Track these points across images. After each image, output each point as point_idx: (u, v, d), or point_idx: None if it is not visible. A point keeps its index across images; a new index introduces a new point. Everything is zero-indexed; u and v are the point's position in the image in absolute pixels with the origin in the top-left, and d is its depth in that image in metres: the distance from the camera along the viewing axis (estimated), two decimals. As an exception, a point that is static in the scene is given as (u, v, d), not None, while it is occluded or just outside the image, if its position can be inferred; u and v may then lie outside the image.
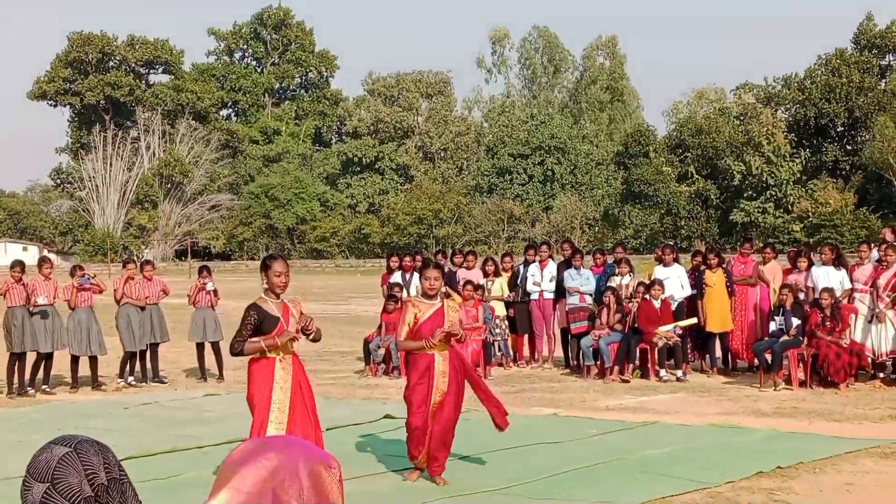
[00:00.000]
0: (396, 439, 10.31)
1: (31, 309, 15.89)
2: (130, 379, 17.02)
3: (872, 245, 16.76)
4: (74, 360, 16.62)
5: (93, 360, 16.78)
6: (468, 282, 17.75)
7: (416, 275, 17.40)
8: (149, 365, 17.40)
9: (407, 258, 18.83)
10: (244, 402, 8.59)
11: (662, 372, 16.35)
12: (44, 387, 16.29)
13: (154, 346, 17.39)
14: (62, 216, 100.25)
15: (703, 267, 17.47)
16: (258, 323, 8.37)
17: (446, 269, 18.77)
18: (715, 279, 17.01)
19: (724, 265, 17.42)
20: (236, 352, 8.32)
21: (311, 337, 8.60)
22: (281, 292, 8.48)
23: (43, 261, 17.09)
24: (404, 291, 17.88)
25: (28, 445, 10.93)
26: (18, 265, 16.35)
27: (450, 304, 9.53)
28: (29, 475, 2.50)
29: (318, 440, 8.33)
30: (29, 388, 16.11)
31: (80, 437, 2.55)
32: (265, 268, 8.58)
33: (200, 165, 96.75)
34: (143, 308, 17.04)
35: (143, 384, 17.08)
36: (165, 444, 11.49)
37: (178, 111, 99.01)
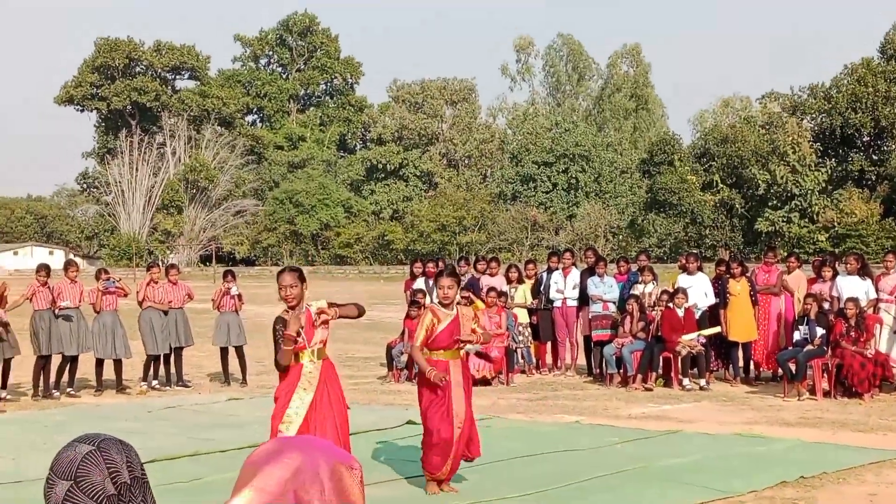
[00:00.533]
0: (418, 445, 10.30)
1: (55, 311, 15.98)
2: (154, 382, 17.08)
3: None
4: (99, 363, 16.70)
5: (117, 364, 16.85)
6: (491, 288, 17.74)
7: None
8: (173, 369, 17.45)
9: (430, 264, 18.83)
10: (267, 406, 8.61)
11: (685, 381, 16.30)
12: (69, 389, 16.37)
13: (178, 350, 17.44)
14: (88, 220, 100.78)
15: (726, 276, 17.41)
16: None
17: (469, 276, 18.79)
18: (738, 288, 16.94)
19: (748, 274, 17.34)
20: (281, 367, 8.30)
21: (332, 317, 8.43)
22: (290, 304, 8.38)
23: (69, 264, 17.20)
24: (427, 298, 17.88)
25: (52, 447, 10.97)
26: (44, 269, 16.47)
27: (465, 312, 9.46)
28: (53, 473, 2.52)
29: (346, 445, 8.31)
30: (54, 391, 16.20)
31: (103, 436, 2.57)
32: (277, 278, 8.55)
33: (225, 171, 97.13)
34: (166, 312, 17.10)
35: (167, 388, 17.14)
36: (188, 447, 11.52)
37: (204, 117, 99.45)
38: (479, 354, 16.40)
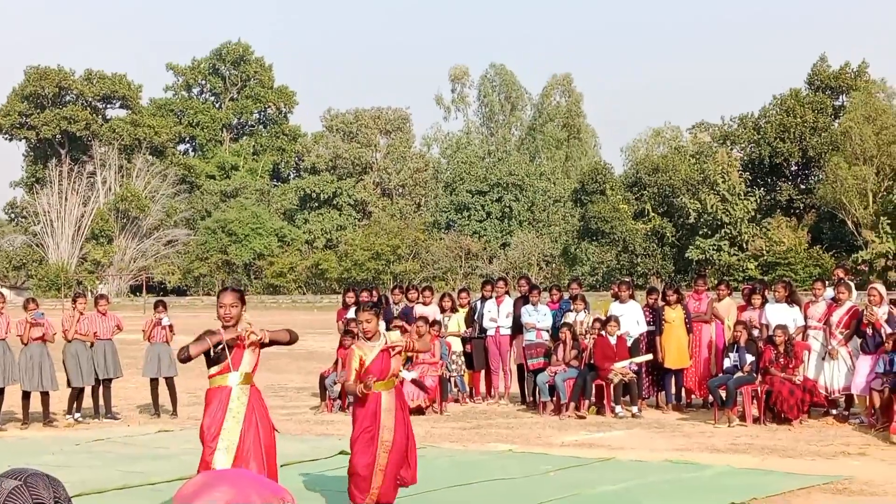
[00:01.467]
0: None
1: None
2: (77, 415, 16.80)
3: (827, 283, 16.92)
4: (26, 395, 16.40)
5: (44, 396, 16.56)
6: (422, 317, 17.73)
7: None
8: (101, 401, 17.20)
9: (364, 294, 18.78)
10: (198, 438, 8.48)
11: (618, 408, 16.39)
12: (-7, 423, 16.07)
13: (107, 382, 17.20)
14: (15, 250, 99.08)
15: (661, 303, 17.57)
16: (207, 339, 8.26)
17: (403, 305, 18.78)
18: (674, 315, 17.10)
19: (683, 302, 17.51)
20: (183, 357, 8.12)
21: (262, 339, 8.35)
22: (227, 324, 8.35)
23: (-5, 295, 16.89)
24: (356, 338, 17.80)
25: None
26: (-30, 299, 16.16)
27: (391, 340, 9.42)
28: (-22, 508, 2.47)
29: (272, 474, 8.25)
30: (-21, 424, 15.89)
31: (30, 471, 2.53)
32: (218, 296, 8.53)
33: (157, 200, 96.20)
34: (92, 344, 16.86)
35: (95, 420, 16.88)
36: (117, 480, 11.35)
37: (135, 146, 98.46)
38: (414, 382, 16.37)
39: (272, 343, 8.41)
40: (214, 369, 8.31)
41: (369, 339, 9.30)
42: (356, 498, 9.17)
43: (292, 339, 8.54)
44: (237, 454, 8.07)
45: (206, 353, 8.25)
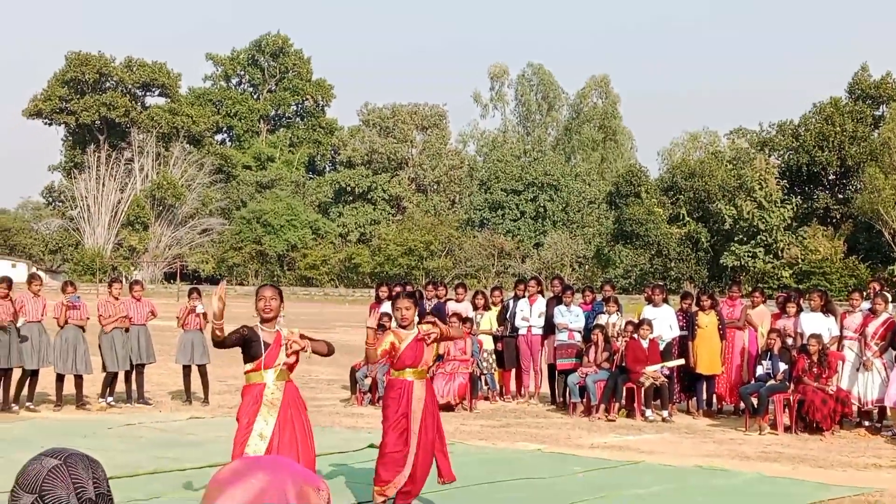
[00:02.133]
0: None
1: (16, 325, 15.79)
2: (110, 399, 16.92)
3: (864, 294, 16.77)
4: (59, 378, 16.54)
5: (78, 379, 16.69)
6: (455, 314, 17.73)
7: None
8: (134, 386, 17.31)
9: (397, 288, 18.80)
10: (228, 425, 8.56)
11: (648, 412, 16.33)
12: (28, 404, 16.20)
13: (140, 367, 17.31)
14: (52, 234, 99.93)
15: (694, 308, 17.49)
16: (245, 337, 8.31)
17: (435, 302, 18.78)
18: (707, 321, 17.00)
19: (717, 307, 17.39)
20: (217, 339, 8.13)
21: (303, 348, 8.43)
22: (266, 316, 8.42)
23: (32, 278, 17.04)
24: (393, 322, 17.83)
25: (9, 462, 10.87)
26: (5, 281, 16.26)
27: (423, 328, 9.49)
28: (17, 485, 2.49)
29: (310, 466, 8.28)
30: (13, 405, 16.02)
31: (70, 451, 2.54)
32: (257, 295, 8.58)
33: (193, 189, 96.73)
34: (127, 329, 16.96)
35: (127, 405, 17.00)
36: (148, 465, 11.44)
37: (173, 134, 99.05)
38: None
39: (313, 352, 8.49)
40: (249, 366, 8.36)
41: (405, 326, 9.38)
42: (380, 482, 9.20)
43: (330, 352, 8.66)
44: (270, 445, 8.11)
45: (243, 348, 8.31)
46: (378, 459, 9.25)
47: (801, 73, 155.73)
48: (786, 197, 73.73)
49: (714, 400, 17.47)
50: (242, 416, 8.26)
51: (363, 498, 9.94)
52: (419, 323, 9.78)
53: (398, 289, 18.25)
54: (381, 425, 9.39)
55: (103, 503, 2.54)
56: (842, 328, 15.99)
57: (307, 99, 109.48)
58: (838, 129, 73.29)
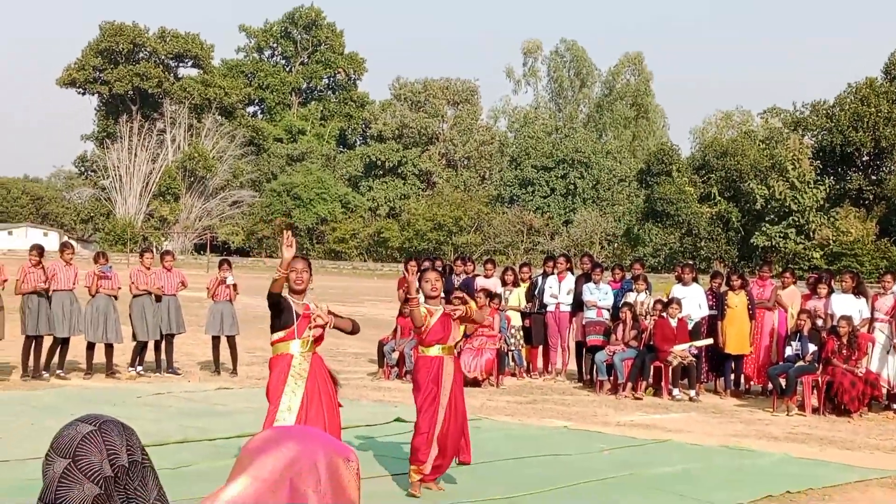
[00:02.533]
0: (405, 442, 10.30)
1: (47, 293, 15.92)
2: (139, 368, 17.06)
3: (896, 276, 16.63)
4: (90, 346, 16.68)
5: (108, 348, 16.82)
6: (484, 289, 17.74)
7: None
8: (163, 355, 17.43)
9: (426, 263, 18.81)
10: (256, 396, 8.65)
11: (675, 391, 16.32)
12: (58, 371, 16.35)
13: (169, 337, 17.43)
14: (84, 204, 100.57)
15: (724, 288, 17.43)
16: (280, 304, 8.42)
17: (463, 277, 18.79)
18: (737, 301, 16.94)
19: (747, 288, 17.33)
20: (273, 291, 8.33)
21: (328, 323, 8.55)
22: (298, 288, 8.52)
23: (65, 246, 17.17)
24: (421, 296, 17.85)
25: (40, 429, 11.00)
26: (37, 249, 16.40)
27: (447, 309, 9.54)
28: (52, 450, 2.52)
29: (334, 426, 8.38)
30: (44, 372, 16.18)
31: (105, 417, 2.58)
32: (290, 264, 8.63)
33: (224, 161, 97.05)
34: (158, 299, 17.07)
35: (157, 374, 17.13)
36: (176, 434, 11.52)
37: (205, 105, 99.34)
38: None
39: (335, 327, 8.56)
40: (280, 334, 8.42)
41: (432, 298, 9.43)
42: (420, 457, 9.24)
43: (354, 330, 8.73)
44: (297, 417, 8.19)
45: (275, 315, 8.37)
46: (413, 439, 9.28)
47: (836, 52, 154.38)
48: (818, 177, 73.18)
49: (742, 380, 17.44)
50: (272, 391, 8.33)
51: (391, 470, 9.99)
52: (447, 301, 9.83)
53: (426, 264, 18.27)
54: (415, 404, 9.41)
55: (136, 471, 2.57)
56: (873, 310, 15.90)
57: (339, 72, 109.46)
58: (873, 109, 72.57)
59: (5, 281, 15.72)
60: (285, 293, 8.53)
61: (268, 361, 8.67)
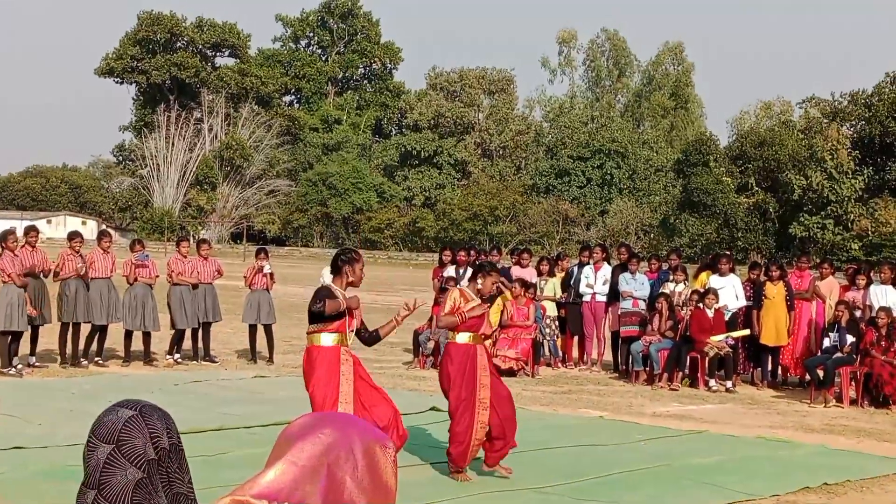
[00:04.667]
0: (441, 432, 10.33)
1: (85, 280, 16.04)
2: (177, 356, 17.17)
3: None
4: (128, 334, 16.80)
5: (146, 336, 16.94)
6: (520, 279, 17.73)
7: (469, 270, 17.38)
8: (200, 343, 17.54)
9: (461, 253, 18.84)
10: (292, 385, 8.67)
11: (712, 382, 16.25)
12: (97, 359, 16.49)
13: (206, 325, 17.52)
14: (122, 193, 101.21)
15: (763, 279, 17.32)
16: (330, 296, 8.44)
17: (500, 266, 18.78)
18: (775, 292, 16.82)
19: (786, 278, 17.20)
20: (318, 308, 8.21)
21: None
22: (358, 283, 8.64)
23: (103, 234, 17.31)
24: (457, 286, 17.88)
25: (80, 415, 11.10)
26: (77, 237, 16.53)
27: (491, 309, 9.65)
28: (94, 436, 2.54)
29: (397, 415, 8.42)
30: (82, 359, 16.31)
31: (144, 402, 2.60)
32: (350, 261, 8.59)
33: (261, 150, 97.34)
34: (195, 287, 17.16)
35: (194, 362, 17.24)
36: (214, 421, 11.60)
37: (242, 95, 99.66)
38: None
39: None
40: (321, 325, 8.37)
41: (483, 298, 9.48)
42: (454, 460, 9.26)
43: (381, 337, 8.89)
44: (355, 407, 8.24)
45: (321, 297, 8.39)
46: (451, 447, 9.28)
47: (876, 40, 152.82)
48: (857, 168, 72.52)
49: (779, 371, 17.33)
50: (322, 395, 8.25)
51: (424, 460, 10.02)
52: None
53: (466, 254, 18.34)
54: (447, 398, 9.40)
55: (175, 453, 2.59)
56: (912, 302, 15.75)
57: (375, 62, 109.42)
58: (913, 99, 71.85)
59: (50, 270, 15.87)
60: (330, 285, 8.54)
61: (307, 353, 8.59)
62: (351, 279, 8.54)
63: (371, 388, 8.43)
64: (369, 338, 8.72)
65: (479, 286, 9.50)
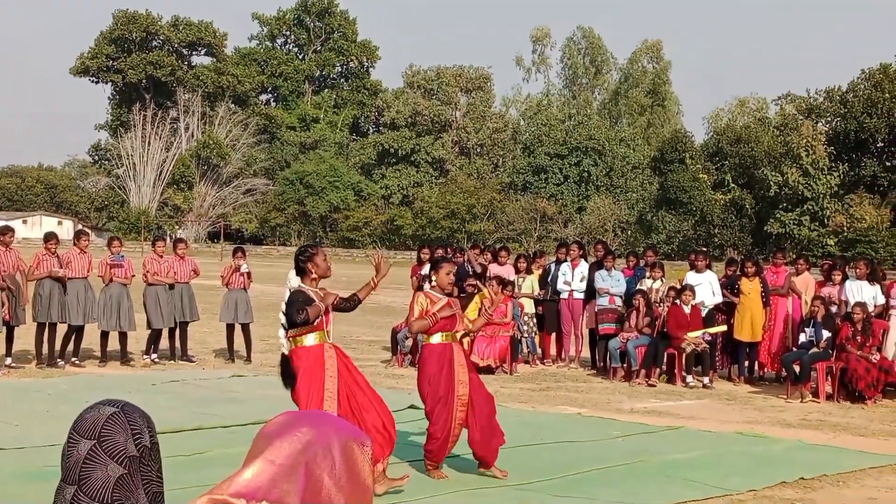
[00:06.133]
0: (419, 430, 10.34)
1: (62, 280, 15.97)
2: (154, 356, 17.12)
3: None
4: (104, 334, 16.74)
5: (122, 336, 16.89)
6: (497, 277, 17.75)
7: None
8: (177, 343, 17.49)
9: (439, 251, 18.85)
10: (270, 384, 8.68)
11: (689, 378, 16.31)
12: (73, 359, 16.43)
13: (183, 325, 17.48)
14: (98, 192, 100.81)
15: (738, 275, 17.40)
16: (307, 301, 8.45)
17: (481, 264, 18.80)
18: (750, 287, 16.90)
19: (761, 274, 17.28)
20: (301, 319, 8.24)
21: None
22: (327, 276, 8.65)
23: (81, 234, 17.24)
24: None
25: (56, 416, 11.06)
26: (53, 238, 16.48)
27: (454, 302, 9.59)
28: (75, 432, 2.54)
29: (386, 412, 8.50)
30: (59, 360, 16.25)
31: (125, 401, 2.60)
32: (310, 258, 8.62)
33: (237, 149, 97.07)
34: (172, 286, 17.11)
35: (171, 362, 17.19)
36: (191, 421, 11.58)
37: (219, 94, 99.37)
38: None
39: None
40: (302, 328, 8.44)
41: (446, 293, 9.46)
42: (437, 457, 9.28)
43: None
44: (338, 410, 8.26)
45: (298, 301, 8.41)
46: (428, 443, 9.30)
47: (850, 37, 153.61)
48: (832, 164, 72.89)
49: (756, 367, 17.42)
50: (307, 392, 8.29)
51: (402, 458, 10.02)
52: (461, 289, 9.85)
53: (440, 253, 18.30)
54: (422, 399, 9.41)
55: (156, 452, 2.60)
56: (888, 297, 15.86)
57: (352, 60, 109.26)
58: (887, 95, 72.21)
59: (24, 270, 15.80)
60: (300, 285, 8.56)
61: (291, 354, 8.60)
62: (315, 274, 8.56)
63: (360, 389, 8.45)
64: (350, 305, 8.76)
65: (434, 282, 9.54)
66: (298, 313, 8.26)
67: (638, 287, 17.52)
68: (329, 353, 8.42)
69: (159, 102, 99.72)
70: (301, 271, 8.61)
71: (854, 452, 11.11)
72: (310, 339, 8.44)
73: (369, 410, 8.41)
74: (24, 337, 16.65)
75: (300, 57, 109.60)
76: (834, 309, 15.97)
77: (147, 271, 17.01)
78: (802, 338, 15.66)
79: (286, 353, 8.52)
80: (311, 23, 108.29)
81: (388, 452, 8.52)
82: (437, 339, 9.35)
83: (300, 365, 8.38)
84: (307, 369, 8.34)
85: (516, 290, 18.29)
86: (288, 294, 8.54)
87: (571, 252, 18.78)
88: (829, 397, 15.05)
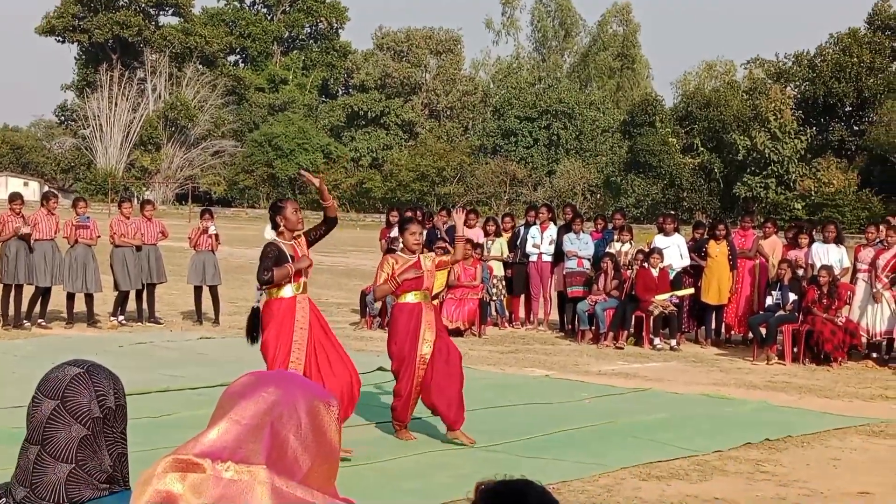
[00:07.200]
0: (387, 392, 10.36)
1: (28, 241, 15.84)
2: (121, 318, 17.05)
3: (881, 227, 16.70)
4: (70, 296, 16.65)
5: (88, 298, 16.80)
6: (468, 239, 17.73)
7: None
8: (145, 305, 17.42)
9: (408, 213, 18.79)
10: (238, 346, 8.65)
11: (656, 340, 16.41)
12: (40, 321, 16.34)
13: (151, 287, 17.40)
14: (65, 153, 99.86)
15: (706, 238, 17.47)
16: (277, 257, 8.46)
17: (447, 226, 18.80)
18: (718, 251, 16.97)
19: (729, 238, 17.34)
20: (266, 279, 8.35)
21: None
22: (299, 229, 8.64)
23: (49, 195, 17.11)
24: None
25: (21, 378, 10.99)
26: (18, 198, 16.36)
27: (424, 255, 9.55)
28: (39, 392, 2.52)
29: (353, 372, 8.50)
30: (25, 322, 16.16)
31: (92, 362, 2.58)
32: (278, 211, 8.67)
33: (206, 110, 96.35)
34: (139, 248, 17.01)
35: (138, 323, 17.13)
36: (159, 383, 11.55)
37: (186, 54, 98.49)
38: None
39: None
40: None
41: (412, 252, 9.44)
42: (401, 416, 9.31)
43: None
44: (307, 362, 8.28)
45: (267, 258, 8.43)
46: (394, 401, 9.31)
47: (820, 2, 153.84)
48: (800, 128, 73.21)
49: (723, 329, 17.54)
50: (274, 342, 8.31)
51: (374, 418, 10.05)
52: (431, 249, 9.84)
53: (408, 214, 18.25)
54: (390, 358, 9.41)
55: (121, 414, 2.58)
56: (855, 260, 15.99)
57: (321, 21, 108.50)
58: (856, 60, 72.52)
59: None
60: (274, 238, 8.61)
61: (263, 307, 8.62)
62: (284, 227, 8.60)
63: (331, 345, 8.48)
64: (326, 228, 9.07)
65: (402, 245, 9.58)
66: (264, 272, 8.31)
67: (606, 250, 17.58)
68: (302, 305, 8.46)
69: (126, 63, 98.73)
70: (275, 225, 8.66)
71: (819, 414, 11.23)
72: (287, 291, 8.49)
73: (337, 367, 8.41)
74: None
75: (269, 17, 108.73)
76: (801, 272, 16.07)
77: (114, 233, 16.90)
78: (769, 300, 15.77)
79: (259, 306, 8.55)
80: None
81: (349, 413, 8.54)
82: (408, 298, 9.35)
83: (271, 316, 8.43)
84: (278, 319, 8.39)
85: (485, 252, 18.30)
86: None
87: (541, 215, 18.79)
88: (794, 359, 15.19)
